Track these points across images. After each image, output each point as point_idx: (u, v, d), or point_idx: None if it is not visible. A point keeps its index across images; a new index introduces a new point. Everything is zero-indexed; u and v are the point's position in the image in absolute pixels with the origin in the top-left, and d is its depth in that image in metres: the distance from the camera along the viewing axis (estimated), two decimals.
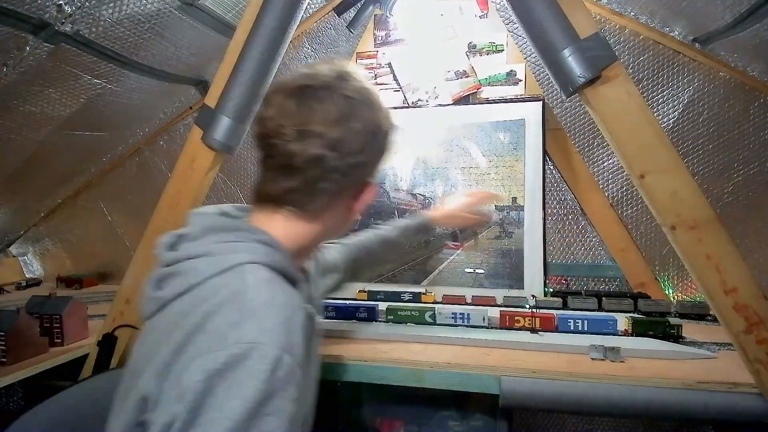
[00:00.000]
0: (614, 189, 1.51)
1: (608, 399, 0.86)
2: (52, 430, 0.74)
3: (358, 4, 1.53)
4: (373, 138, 0.65)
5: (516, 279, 1.46)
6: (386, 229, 1.10)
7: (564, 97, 1.46)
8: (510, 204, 1.50)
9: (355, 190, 0.67)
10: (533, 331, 1.12)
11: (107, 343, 1.09)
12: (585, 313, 1.25)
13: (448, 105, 1.59)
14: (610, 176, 1.51)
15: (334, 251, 1.00)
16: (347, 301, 1.34)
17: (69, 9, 1.03)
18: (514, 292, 1.43)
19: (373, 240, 1.07)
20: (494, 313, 1.19)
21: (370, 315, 1.24)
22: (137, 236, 1.23)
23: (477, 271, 1.49)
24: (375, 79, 1.68)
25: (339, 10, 1.56)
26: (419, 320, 1.20)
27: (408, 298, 1.41)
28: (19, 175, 1.56)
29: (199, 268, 0.56)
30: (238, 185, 1.79)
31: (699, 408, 0.84)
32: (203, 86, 1.66)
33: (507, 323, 1.15)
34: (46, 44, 1.06)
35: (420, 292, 1.41)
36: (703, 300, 1.31)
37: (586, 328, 1.12)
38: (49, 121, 1.36)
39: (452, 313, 1.19)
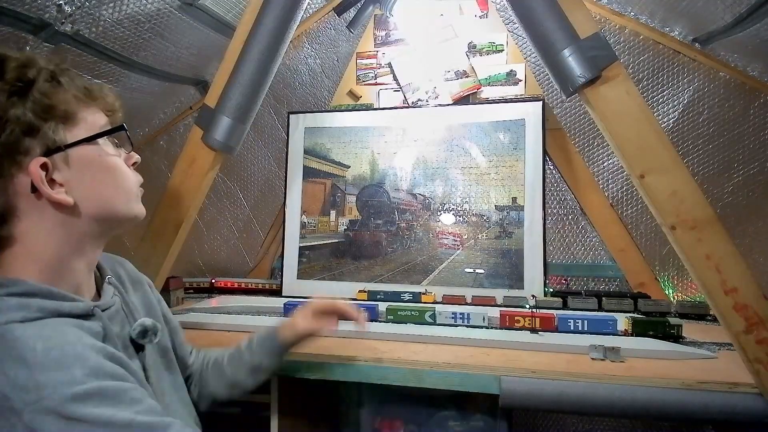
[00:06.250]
0: (614, 189, 1.51)
1: (608, 399, 0.86)
2: None
3: (358, 4, 1.53)
4: None
5: (516, 279, 1.46)
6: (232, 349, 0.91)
7: (564, 97, 1.46)
8: (510, 204, 1.50)
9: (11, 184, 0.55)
10: (533, 331, 1.12)
11: None
12: (585, 313, 1.25)
13: (448, 105, 1.59)
14: (610, 176, 1.51)
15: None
16: (347, 302, 1.34)
17: (69, 9, 1.03)
18: (514, 292, 1.43)
19: (221, 356, 0.90)
20: (494, 313, 1.19)
21: (370, 315, 1.24)
22: (137, 236, 1.23)
23: (477, 271, 1.49)
24: (375, 79, 1.68)
25: (339, 10, 1.56)
26: (419, 320, 1.20)
27: (408, 298, 1.41)
28: None
29: None
30: (238, 185, 1.79)
31: (699, 408, 0.84)
32: (203, 86, 1.66)
33: (507, 323, 1.15)
34: (46, 44, 1.06)
35: (420, 292, 1.42)
36: (703, 300, 1.31)
37: (586, 328, 1.12)
38: None
39: (452, 313, 1.19)
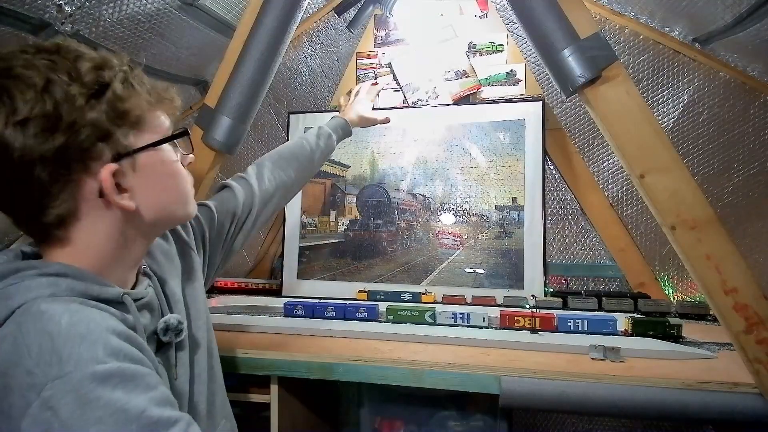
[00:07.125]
0: (614, 189, 1.51)
1: (608, 399, 0.86)
2: None
3: (358, 4, 1.53)
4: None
5: (516, 279, 1.46)
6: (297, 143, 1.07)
7: (564, 97, 1.46)
8: (510, 204, 1.50)
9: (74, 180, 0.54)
10: (533, 331, 1.12)
11: None
12: (585, 313, 1.25)
13: (448, 105, 1.59)
14: (610, 176, 1.51)
15: (240, 187, 0.92)
16: (347, 301, 1.34)
17: (69, 9, 1.03)
18: (514, 292, 1.43)
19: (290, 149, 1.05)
20: (494, 313, 1.19)
21: (370, 315, 1.24)
22: None
23: (477, 271, 1.49)
24: (375, 79, 1.68)
25: (339, 10, 1.56)
26: (419, 320, 1.20)
27: (408, 298, 1.41)
28: None
29: None
30: None
31: (699, 408, 0.84)
32: (203, 86, 1.66)
33: (507, 323, 1.15)
34: None
35: (420, 292, 1.41)
36: (703, 300, 1.31)
37: (586, 328, 1.12)
38: None
39: (452, 313, 1.19)
